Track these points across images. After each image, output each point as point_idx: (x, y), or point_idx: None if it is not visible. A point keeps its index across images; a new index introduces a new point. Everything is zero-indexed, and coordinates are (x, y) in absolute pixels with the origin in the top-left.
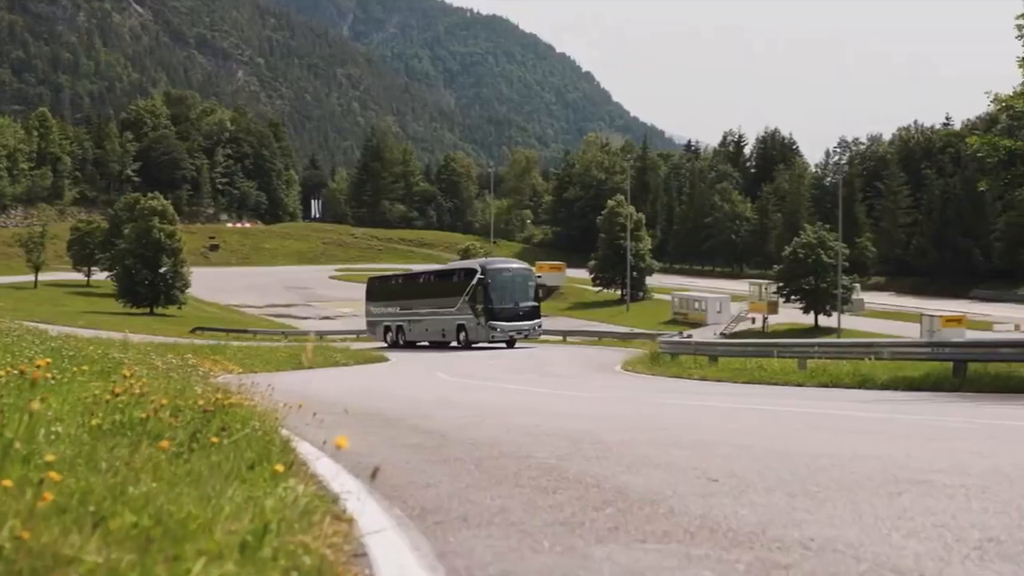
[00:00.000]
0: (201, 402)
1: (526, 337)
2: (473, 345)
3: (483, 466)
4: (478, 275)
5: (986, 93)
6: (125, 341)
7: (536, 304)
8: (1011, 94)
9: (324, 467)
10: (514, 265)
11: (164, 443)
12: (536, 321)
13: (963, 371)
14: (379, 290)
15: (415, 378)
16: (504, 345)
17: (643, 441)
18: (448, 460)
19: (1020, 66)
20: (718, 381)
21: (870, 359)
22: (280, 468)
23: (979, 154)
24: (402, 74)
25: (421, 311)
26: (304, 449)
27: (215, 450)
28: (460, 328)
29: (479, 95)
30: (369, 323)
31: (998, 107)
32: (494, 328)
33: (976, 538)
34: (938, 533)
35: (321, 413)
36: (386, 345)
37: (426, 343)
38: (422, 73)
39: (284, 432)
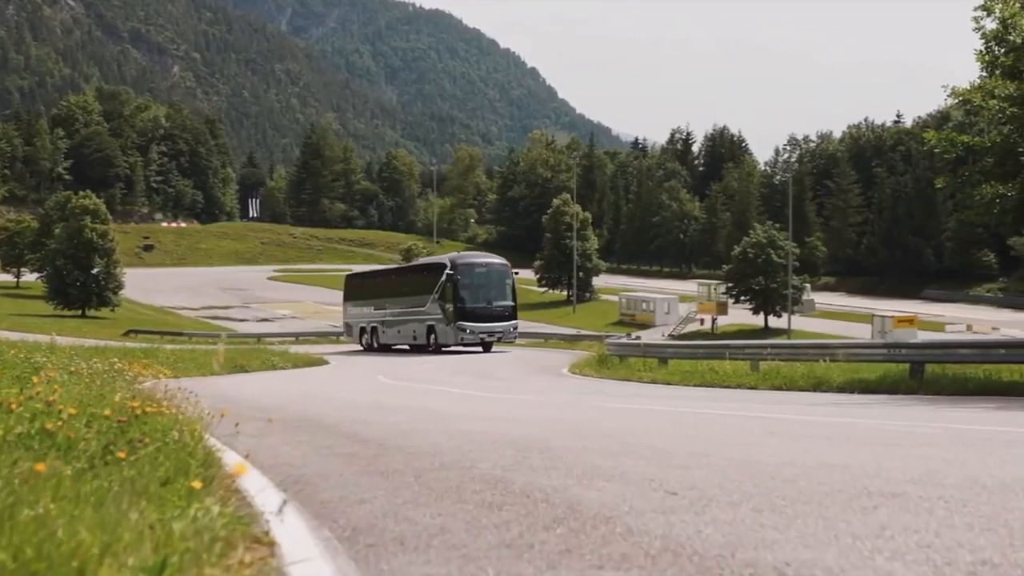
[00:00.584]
0: (114, 411)
1: (500, 340)
2: (444, 349)
3: (423, 478)
4: (447, 271)
5: (943, 87)
6: (51, 344)
7: (512, 304)
8: (968, 88)
9: (249, 481)
10: (488, 260)
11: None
12: (512, 323)
13: (920, 373)
14: (355, 288)
15: (355, 382)
16: (480, 349)
17: (594, 449)
18: (385, 472)
19: (977, 60)
20: (668, 384)
21: (824, 361)
22: (197, 484)
23: (936, 150)
24: (342, 70)
25: (394, 311)
26: (230, 460)
27: (128, 464)
28: (430, 330)
29: (421, 91)
30: (345, 325)
31: (955, 101)
32: (463, 330)
33: (968, 560)
34: (925, 555)
35: (253, 420)
36: (362, 348)
37: (405, 346)
38: (363, 69)
39: (209, 442)
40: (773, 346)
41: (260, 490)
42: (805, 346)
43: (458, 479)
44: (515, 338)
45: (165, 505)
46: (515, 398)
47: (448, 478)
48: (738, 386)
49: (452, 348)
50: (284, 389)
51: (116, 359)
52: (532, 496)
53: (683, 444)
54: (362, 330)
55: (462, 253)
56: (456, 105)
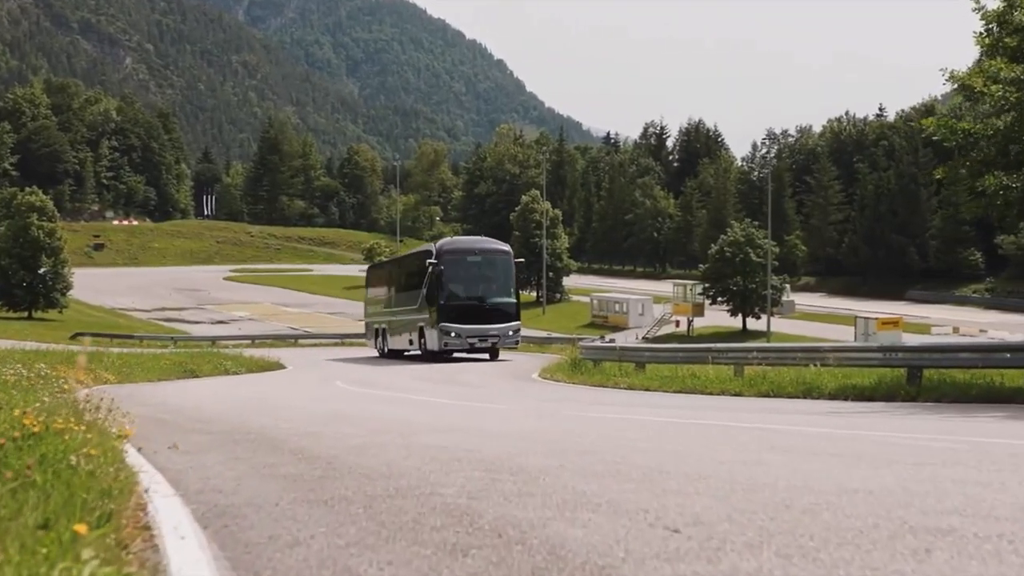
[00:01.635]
0: (8, 428)
1: (496, 346)
2: (434, 355)
3: (373, 509)
4: (430, 260)
5: (941, 71)
6: None
7: (512, 301)
8: (967, 72)
9: (164, 514)
10: (483, 245)
11: None
12: (511, 324)
13: (919, 379)
14: (371, 281)
15: (311, 388)
16: (487, 356)
17: (574, 469)
18: (331, 500)
19: (977, 42)
20: (647, 391)
21: (815, 365)
22: (83, 529)
23: (935, 137)
24: (302, 62)
25: (397, 309)
26: (153, 486)
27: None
28: (421, 333)
29: (384, 84)
30: (365, 324)
31: (954, 86)
32: (447, 333)
33: None
34: None
35: (192, 433)
36: (376, 355)
37: (416, 351)
38: (323, 61)
39: (130, 463)
40: (759, 349)
41: (173, 528)
42: (793, 349)
43: (416, 510)
44: (516, 343)
45: (33, 560)
46: (482, 407)
47: (404, 509)
48: (722, 392)
49: (455, 355)
50: (233, 396)
51: (43, 364)
52: (505, 535)
53: (675, 462)
54: (375, 332)
55: (454, 237)
56: (420, 99)
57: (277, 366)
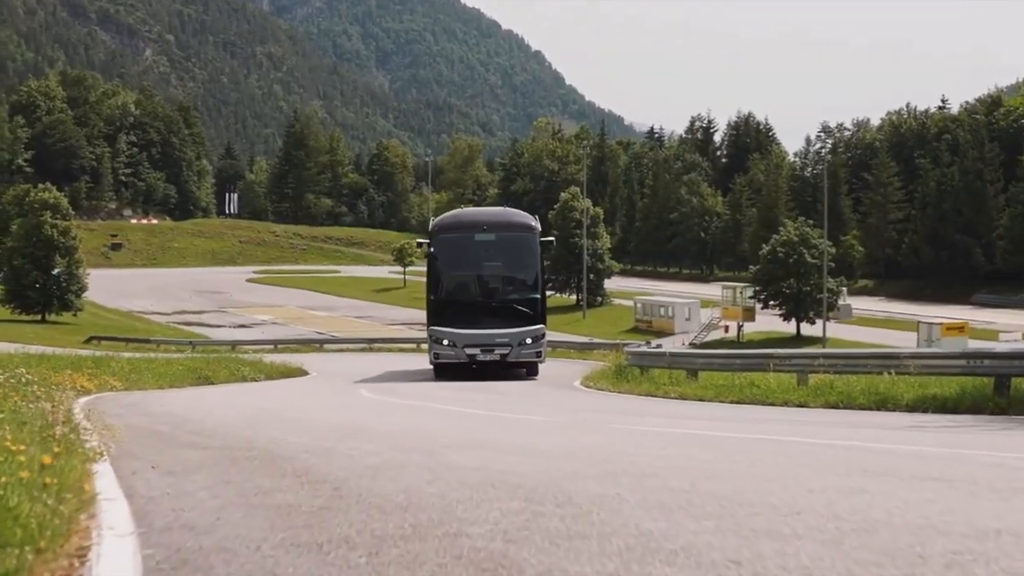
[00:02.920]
0: None
1: (505, 359)
2: (438, 372)
3: (381, 557)
4: (424, 239)
5: None
6: None
7: (533, 296)
8: None
9: (105, 565)
10: (494, 219)
11: None
12: (528, 329)
13: (1007, 389)
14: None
15: (331, 396)
16: (525, 372)
17: (635, 500)
18: (328, 543)
19: None
20: (701, 401)
21: (889, 373)
22: None
23: None
24: (329, 53)
25: None
26: (110, 519)
27: None
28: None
29: (416, 77)
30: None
31: None
32: (437, 339)
33: None
34: None
35: (187, 448)
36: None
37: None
38: (352, 52)
39: (96, 488)
40: (826, 356)
41: None
42: (865, 356)
43: (436, 559)
44: (539, 355)
45: None
46: (519, 418)
47: (421, 557)
48: (785, 403)
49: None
50: (245, 405)
51: (23, 369)
52: None
53: (756, 490)
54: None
55: (461, 209)
56: (454, 92)
57: (299, 372)
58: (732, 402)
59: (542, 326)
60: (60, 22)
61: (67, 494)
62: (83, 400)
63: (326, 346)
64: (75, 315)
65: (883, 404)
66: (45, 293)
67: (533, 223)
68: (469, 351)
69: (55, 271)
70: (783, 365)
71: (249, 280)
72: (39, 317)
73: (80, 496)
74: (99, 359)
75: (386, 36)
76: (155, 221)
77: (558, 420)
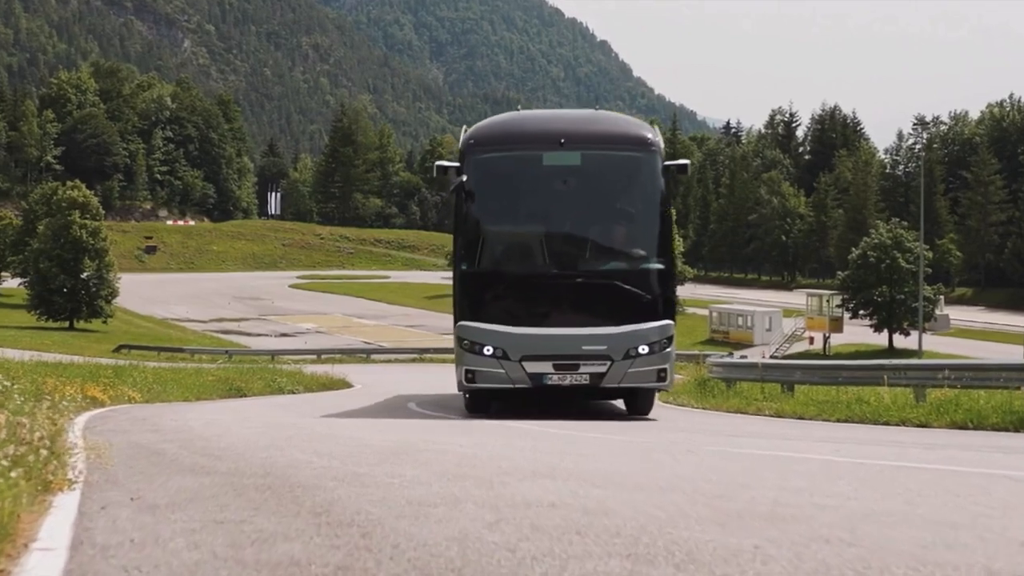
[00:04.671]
0: None
1: (597, 384)
2: (473, 403)
3: None
4: (451, 163)
5: None
6: None
7: (654, 269)
8: None
9: None
10: (575, 128)
11: None
12: (646, 328)
13: None
14: None
15: (374, 410)
16: (628, 408)
17: (784, 558)
18: None
19: None
20: (801, 419)
21: None
22: None
23: None
24: (380, 44)
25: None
26: None
27: None
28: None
29: (472, 69)
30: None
31: None
32: (473, 347)
33: None
34: None
35: (182, 472)
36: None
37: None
38: (404, 43)
39: (43, 531)
40: (952, 367)
41: None
42: (997, 367)
43: None
44: (664, 380)
45: None
46: (593, 437)
47: None
48: (901, 422)
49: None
50: (272, 421)
51: (10, 377)
52: None
53: (946, 541)
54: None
55: (515, 114)
56: (513, 85)
57: (342, 384)
58: (839, 420)
59: (669, 323)
60: (94, 11)
61: None
62: (91, 414)
63: (373, 357)
64: (105, 322)
65: (1022, 425)
66: (73, 299)
67: (651, 135)
68: (534, 368)
69: (84, 275)
70: (898, 378)
71: (292, 286)
72: (67, 324)
73: (13, 542)
74: (120, 368)
75: (440, 25)
76: (192, 222)
77: (641, 440)
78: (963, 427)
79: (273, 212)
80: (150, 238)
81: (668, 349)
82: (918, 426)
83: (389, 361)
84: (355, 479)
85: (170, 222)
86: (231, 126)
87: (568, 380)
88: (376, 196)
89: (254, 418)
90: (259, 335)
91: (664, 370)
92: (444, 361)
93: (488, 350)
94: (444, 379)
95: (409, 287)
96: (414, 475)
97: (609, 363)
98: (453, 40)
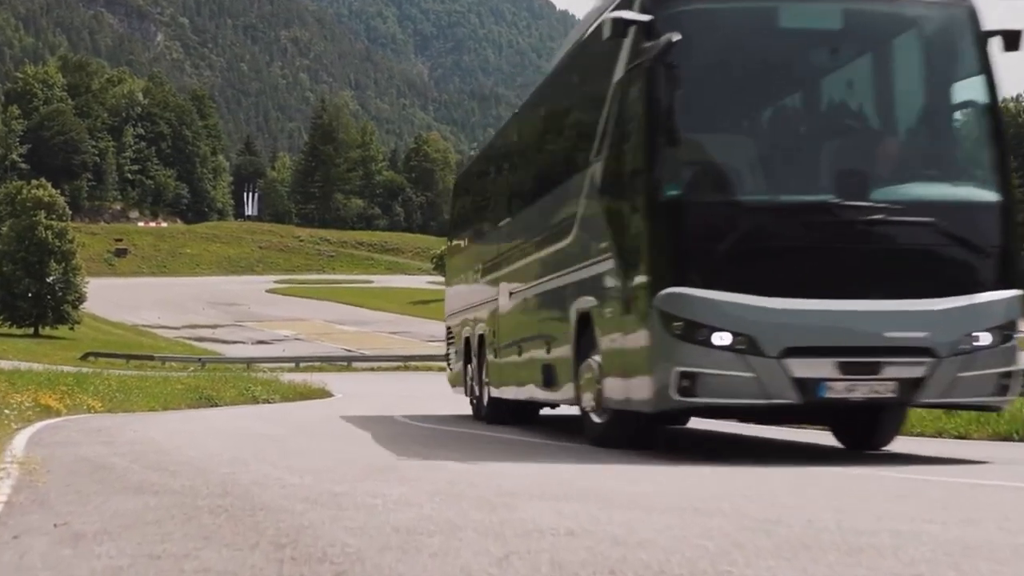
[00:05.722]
0: None
1: (910, 393)
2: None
3: None
4: (627, 21)
5: None
6: None
7: (988, 202)
8: None
9: None
10: None
11: None
12: (987, 300)
13: None
14: (465, 202)
15: (356, 419)
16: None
17: None
18: None
19: None
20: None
21: None
22: None
23: None
24: (362, 38)
25: (519, 268)
26: None
27: None
28: (586, 344)
29: (459, 64)
30: (447, 334)
31: None
32: (695, 328)
33: None
34: None
35: (127, 492)
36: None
37: (565, 407)
38: (387, 37)
39: None
40: None
41: None
42: None
43: None
44: (1007, 390)
45: None
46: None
47: None
48: (938, 433)
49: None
50: (241, 432)
51: None
52: None
53: None
54: (463, 348)
55: None
56: (502, 81)
57: (321, 393)
58: None
59: (1016, 293)
60: (63, 4)
61: None
62: (42, 424)
63: (355, 364)
64: (72, 329)
65: None
66: (38, 304)
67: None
68: (804, 370)
69: (50, 279)
70: None
71: (270, 291)
72: (31, 331)
73: None
74: (83, 376)
75: (425, 18)
76: (165, 224)
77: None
78: (1007, 438)
79: (250, 213)
80: (120, 240)
81: (1013, 339)
82: (957, 437)
83: (372, 369)
84: (331, 500)
85: (141, 224)
86: (206, 123)
87: (861, 392)
88: (358, 197)
89: (222, 430)
90: (235, 342)
91: (1009, 376)
92: (432, 369)
93: (722, 339)
94: (432, 388)
95: (393, 292)
96: (400, 494)
97: (931, 362)
98: (439, 34)
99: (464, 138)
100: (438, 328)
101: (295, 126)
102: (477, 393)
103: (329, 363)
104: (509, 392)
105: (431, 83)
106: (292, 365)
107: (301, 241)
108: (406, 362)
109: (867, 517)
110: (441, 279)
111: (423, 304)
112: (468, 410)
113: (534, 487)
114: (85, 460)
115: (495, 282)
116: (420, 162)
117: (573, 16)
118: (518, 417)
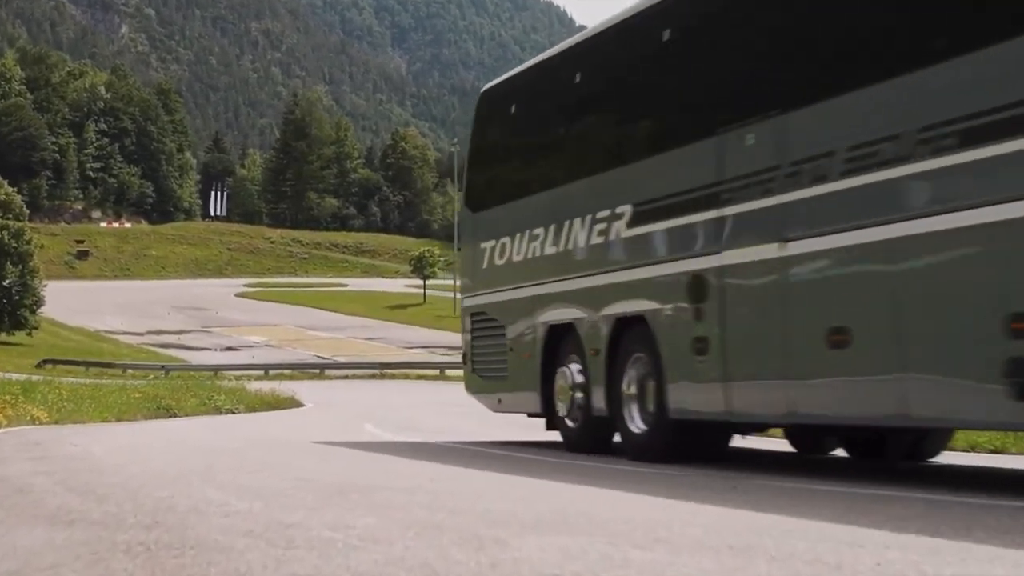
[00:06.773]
0: None
1: None
2: None
3: None
4: None
5: None
6: None
7: None
8: None
9: None
10: None
11: None
12: None
13: None
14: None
15: (324, 433)
16: None
17: None
18: None
19: None
20: None
21: None
22: None
23: None
24: (336, 30)
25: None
26: None
27: None
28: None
29: (438, 57)
30: (466, 322)
31: None
32: None
33: None
34: None
35: (32, 521)
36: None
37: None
38: (363, 29)
39: None
40: None
41: None
42: None
43: None
44: None
45: None
46: (603, 467)
47: None
48: (971, 447)
49: None
50: (194, 446)
51: None
52: None
53: None
54: (527, 343)
55: None
56: (483, 75)
57: (291, 403)
58: None
59: None
60: None
61: None
62: None
63: (328, 372)
64: (29, 335)
65: None
66: None
67: None
68: None
69: (5, 282)
70: None
71: (239, 295)
72: None
73: None
74: (31, 385)
75: (403, 9)
76: (128, 225)
77: (681, 473)
78: None
79: (218, 213)
80: (81, 242)
81: None
82: (991, 451)
83: (346, 377)
84: (279, 535)
85: (104, 224)
86: (172, 118)
87: None
88: (332, 196)
89: (176, 441)
90: (201, 349)
91: None
92: (409, 377)
93: None
94: (411, 397)
95: (369, 296)
96: (367, 527)
97: None
98: (417, 25)
99: (443, 135)
100: (416, 334)
101: (266, 122)
102: (602, 410)
103: (301, 370)
104: (750, 409)
105: (409, 77)
106: (261, 373)
107: (272, 243)
108: (382, 370)
109: (902, 552)
110: (419, 283)
111: (400, 309)
112: (489, 425)
113: (532, 512)
114: (3, 480)
115: (714, 226)
116: (397, 160)
117: (559, 7)
118: (705, 448)
